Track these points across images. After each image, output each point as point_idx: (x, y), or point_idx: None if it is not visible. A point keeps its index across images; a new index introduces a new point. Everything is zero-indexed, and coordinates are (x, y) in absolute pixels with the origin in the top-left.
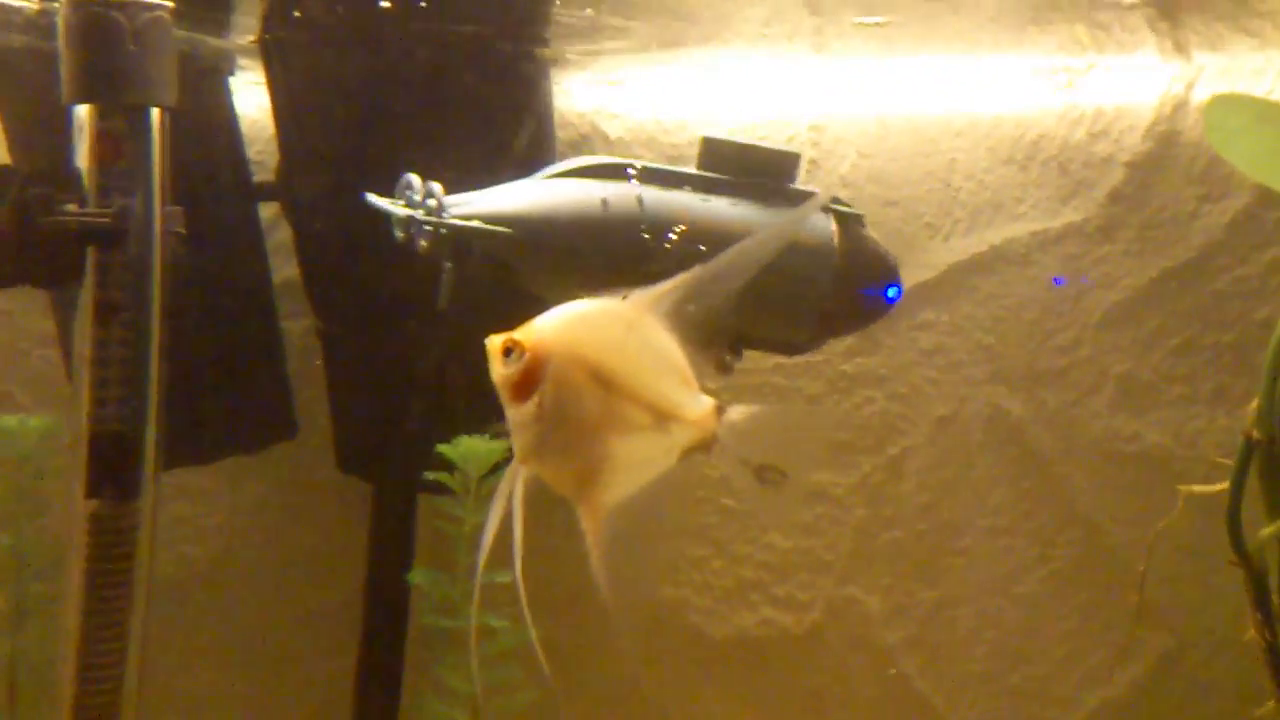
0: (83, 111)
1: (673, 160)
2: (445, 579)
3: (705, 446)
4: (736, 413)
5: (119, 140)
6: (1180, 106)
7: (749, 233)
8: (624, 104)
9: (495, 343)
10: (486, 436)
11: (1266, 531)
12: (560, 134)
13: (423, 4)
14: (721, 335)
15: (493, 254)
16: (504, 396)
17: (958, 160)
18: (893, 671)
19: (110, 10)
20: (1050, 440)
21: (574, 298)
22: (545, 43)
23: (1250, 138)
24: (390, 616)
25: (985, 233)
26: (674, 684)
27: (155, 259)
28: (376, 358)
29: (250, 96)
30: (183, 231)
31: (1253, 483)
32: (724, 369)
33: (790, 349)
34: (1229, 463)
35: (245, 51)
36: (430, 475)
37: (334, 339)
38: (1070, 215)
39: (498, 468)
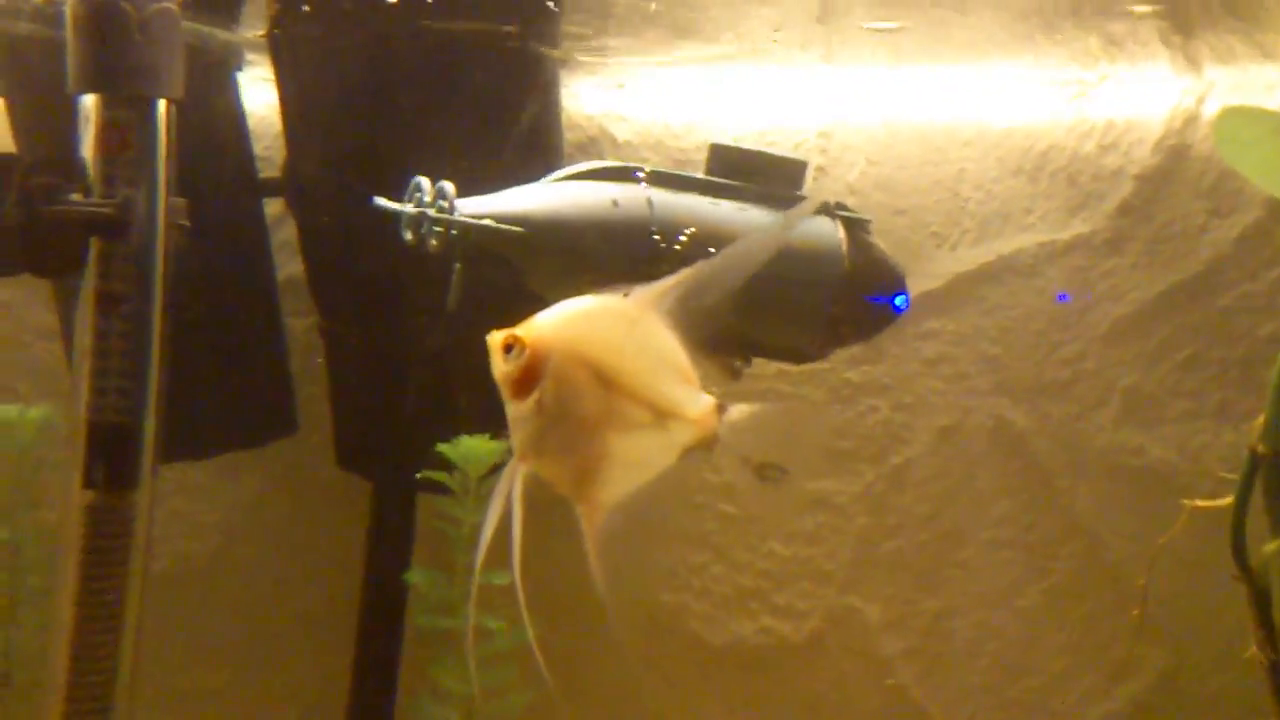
0: (89, 102)
1: (680, 164)
2: (442, 579)
3: (706, 445)
4: (737, 411)
5: (124, 131)
6: (1191, 120)
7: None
8: (632, 107)
9: (496, 339)
10: (487, 436)
11: (1270, 547)
12: (568, 136)
13: (414, 2)
14: (722, 333)
15: (504, 254)
16: (504, 393)
17: (966, 170)
18: (891, 682)
19: (118, 1)
20: (1054, 453)
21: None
22: (555, 43)
23: (1262, 150)
24: (387, 616)
25: (993, 243)
26: (672, 690)
27: (158, 251)
28: (379, 355)
29: (259, 92)
30: (186, 224)
31: (1256, 498)
32: (734, 374)
33: (799, 357)
34: (1233, 478)
35: (254, 46)
36: (430, 474)
37: (336, 335)
38: (1079, 227)
39: (497, 468)
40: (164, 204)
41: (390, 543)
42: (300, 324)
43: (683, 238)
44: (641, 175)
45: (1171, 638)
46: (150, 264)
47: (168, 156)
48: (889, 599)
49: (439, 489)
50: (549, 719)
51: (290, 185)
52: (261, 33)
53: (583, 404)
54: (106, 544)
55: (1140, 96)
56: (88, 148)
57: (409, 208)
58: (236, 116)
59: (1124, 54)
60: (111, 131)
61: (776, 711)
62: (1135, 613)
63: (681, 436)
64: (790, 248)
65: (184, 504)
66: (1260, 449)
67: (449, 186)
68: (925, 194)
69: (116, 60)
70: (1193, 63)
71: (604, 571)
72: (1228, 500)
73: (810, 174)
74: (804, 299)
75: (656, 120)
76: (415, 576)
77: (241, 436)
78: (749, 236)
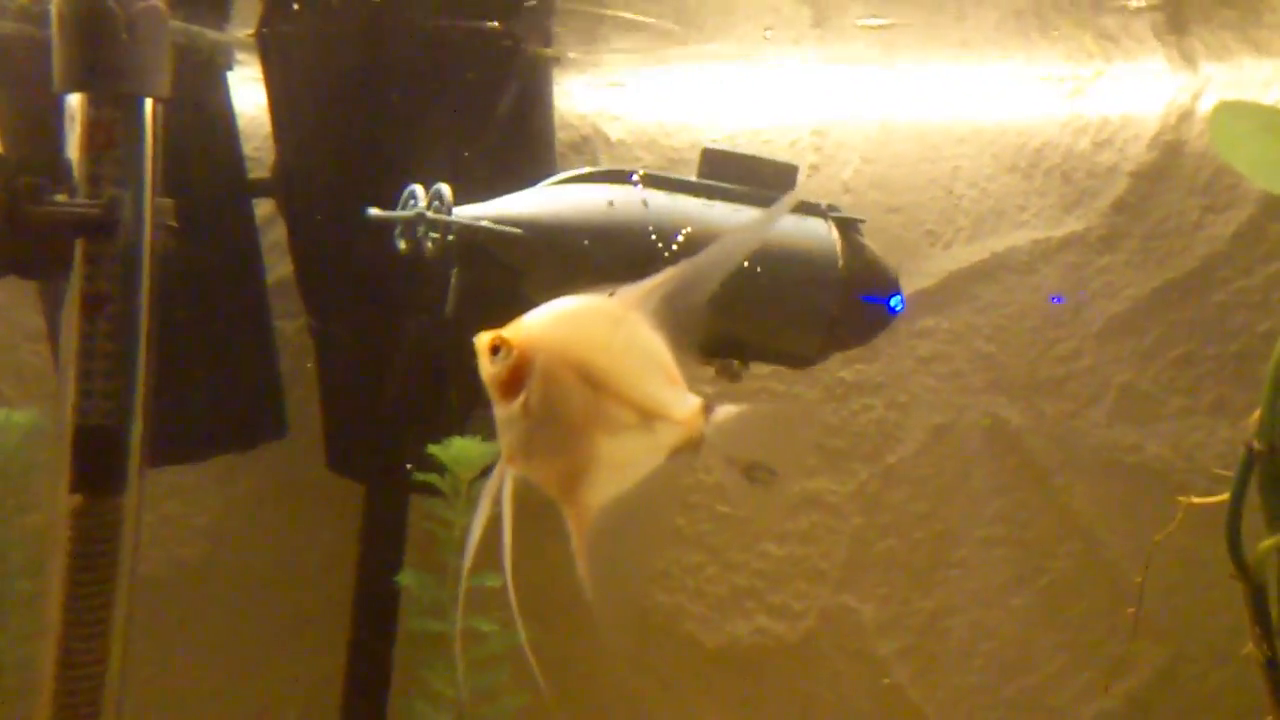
0: (74, 101)
1: (673, 163)
2: (434, 582)
3: (693, 446)
4: (724, 412)
5: (110, 130)
6: (1186, 116)
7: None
8: (625, 106)
9: (484, 340)
10: (479, 439)
11: (1266, 544)
12: (561, 135)
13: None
14: (720, 338)
15: (500, 257)
16: (492, 395)
17: (961, 167)
18: (887, 681)
19: None
20: (1049, 451)
21: None
22: (546, 41)
23: (1256, 145)
24: (379, 618)
25: (987, 240)
26: (667, 691)
27: (145, 252)
28: (369, 357)
29: (248, 92)
30: (174, 225)
31: (1253, 495)
32: (733, 377)
33: (798, 360)
34: (1229, 475)
35: (243, 45)
36: (421, 477)
37: (327, 337)
38: (1073, 224)
39: (489, 470)
40: (150, 204)
41: (382, 545)
42: (290, 326)
43: (679, 239)
44: (636, 178)
45: (1168, 635)
46: (136, 265)
47: (155, 156)
48: (884, 598)
49: (430, 491)
50: None
51: (280, 186)
52: (250, 32)
53: (569, 405)
54: (93, 548)
55: (1135, 93)
56: (73, 147)
57: (402, 212)
58: (226, 116)
59: (1119, 50)
60: (97, 131)
61: (772, 712)
62: (1131, 610)
63: (668, 438)
64: (786, 250)
65: (174, 507)
66: (1256, 445)
67: (446, 190)
68: (920, 192)
69: (103, 59)
70: (1188, 59)
71: (591, 574)
72: (1224, 497)
73: (801, 177)
74: (801, 302)
75: (650, 119)
76: (407, 579)
77: (231, 440)
78: (730, 233)
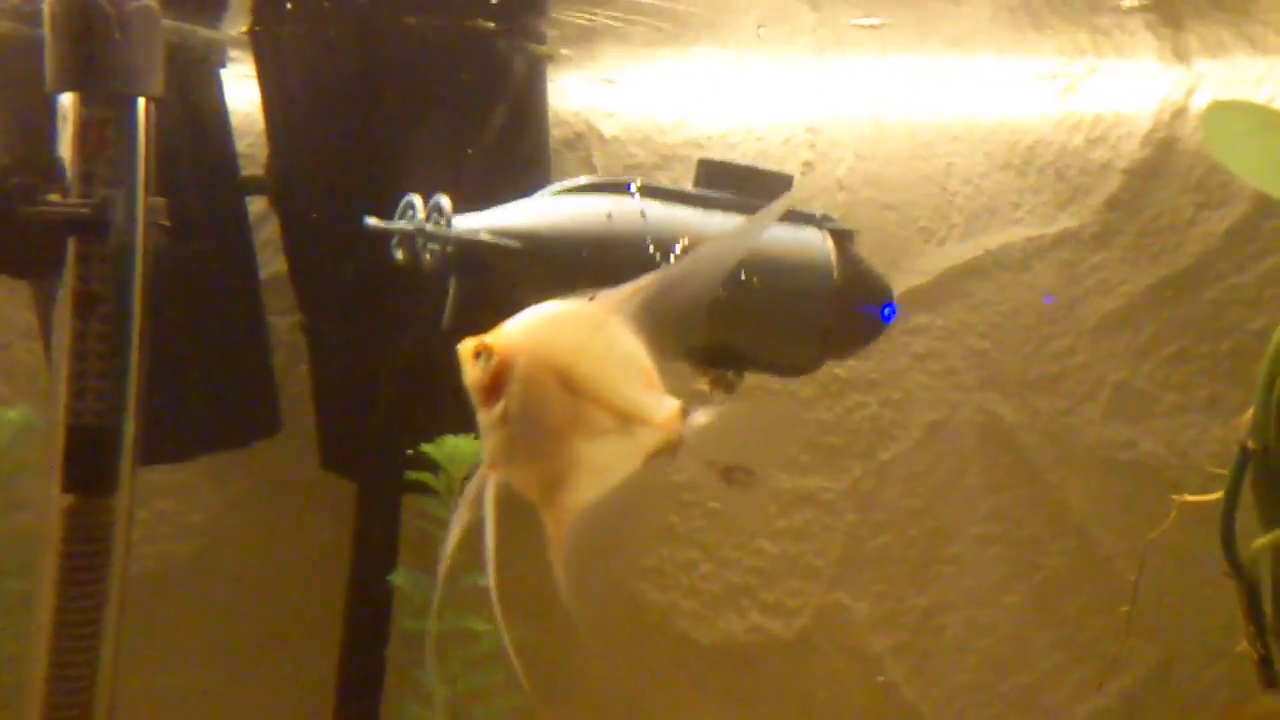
0: (67, 100)
1: (667, 160)
2: (427, 581)
3: (670, 449)
4: (701, 414)
5: (103, 130)
6: (1180, 113)
7: (751, 249)
8: (619, 102)
9: (467, 346)
10: (472, 437)
11: (1260, 543)
12: (554, 132)
13: None
14: (715, 349)
15: (500, 269)
16: (474, 400)
17: (955, 164)
18: (881, 679)
19: None
20: (1043, 448)
21: None
22: (540, 38)
23: (1250, 144)
24: (372, 617)
25: (981, 238)
26: (661, 689)
27: (137, 251)
28: (362, 354)
29: (241, 89)
30: (166, 223)
31: (1246, 493)
32: (728, 388)
33: (792, 370)
34: (1223, 472)
35: (236, 43)
36: (414, 475)
37: (320, 335)
38: (1067, 221)
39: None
40: (143, 203)
41: (375, 544)
42: (283, 323)
43: (677, 250)
44: (634, 188)
45: (1162, 633)
46: (129, 265)
47: (147, 155)
48: (878, 595)
49: (424, 490)
50: None
51: (273, 183)
52: (244, 29)
53: (548, 410)
54: (85, 548)
55: (1129, 90)
56: (65, 147)
57: (401, 224)
58: (219, 114)
59: (1112, 47)
60: (90, 130)
61: (766, 709)
62: (1125, 608)
63: (646, 441)
64: (782, 262)
65: (167, 505)
66: (1250, 444)
67: (445, 202)
68: (913, 189)
69: (95, 58)
70: (1181, 55)
71: (569, 579)
72: (1217, 495)
73: (796, 187)
74: (797, 313)
75: (644, 116)
76: (400, 578)
77: (224, 437)
78: (712, 241)
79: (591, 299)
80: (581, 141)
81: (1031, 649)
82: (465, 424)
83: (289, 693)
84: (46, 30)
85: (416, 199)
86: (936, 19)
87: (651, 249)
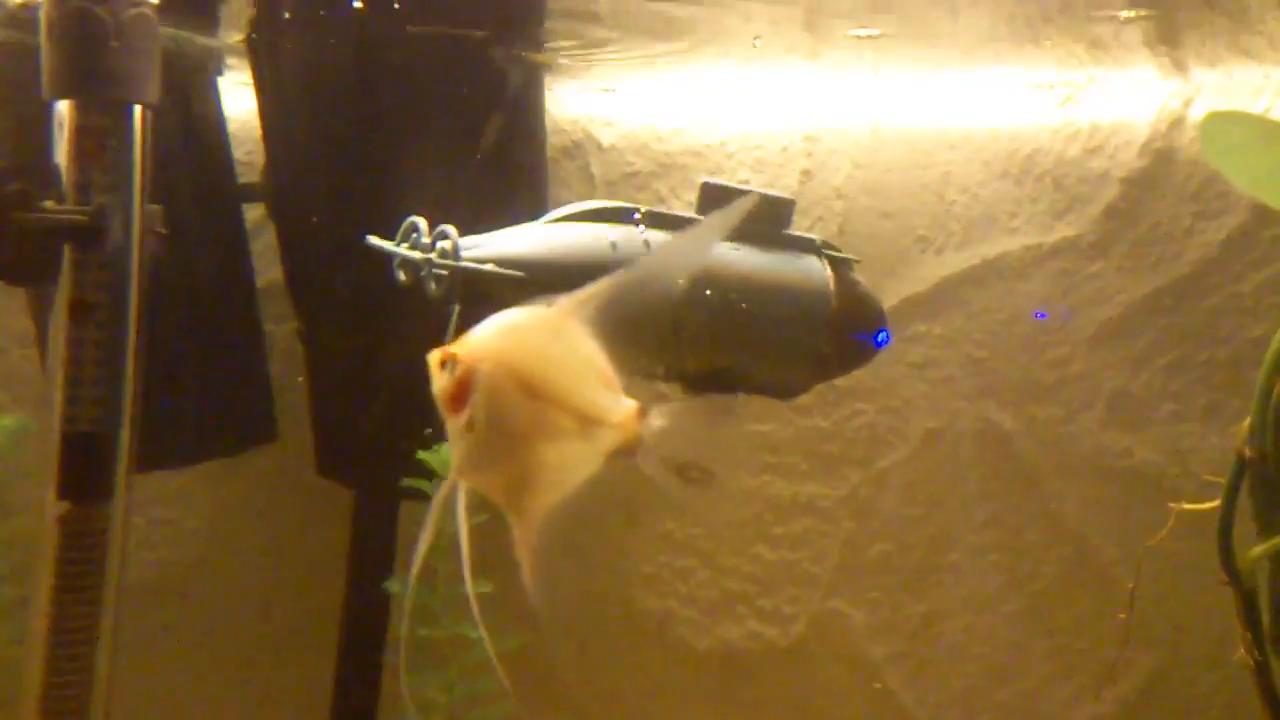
0: (63, 107)
1: (665, 168)
2: (424, 587)
3: (630, 449)
4: (659, 414)
5: (99, 137)
6: (1177, 123)
7: (752, 275)
8: (617, 111)
9: (434, 356)
10: None
11: (1257, 550)
12: (552, 140)
13: (397, 5)
14: (714, 373)
15: (504, 298)
16: (442, 409)
17: (952, 173)
18: (878, 686)
19: (93, 5)
20: (1041, 456)
21: None
22: (538, 47)
23: (1247, 154)
24: (369, 623)
25: (978, 246)
26: (658, 696)
27: (133, 259)
28: (359, 362)
29: (238, 97)
30: (163, 231)
31: (1243, 501)
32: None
33: (786, 392)
34: (1220, 480)
35: (233, 51)
36: (411, 482)
37: (317, 342)
38: (1064, 230)
39: None
40: (139, 211)
41: (372, 551)
42: (280, 331)
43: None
44: (638, 216)
45: (1159, 641)
46: (125, 272)
47: (144, 163)
48: (875, 603)
49: (420, 497)
50: None
51: (270, 191)
52: (240, 37)
53: (512, 415)
54: (80, 555)
55: (1126, 100)
56: (62, 154)
57: (408, 252)
58: (216, 122)
59: (1110, 57)
60: (86, 138)
61: (763, 716)
62: (1122, 616)
63: (606, 442)
64: (782, 288)
65: (165, 511)
66: (1247, 452)
67: (452, 231)
68: (911, 197)
69: (92, 65)
70: (1179, 66)
71: (537, 581)
72: (1215, 503)
73: (793, 193)
74: (796, 337)
75: (642, 124)
76: (397, 585)
77: (221, 445)
78: (667, 245)
79: (550, 305)
80: (579, 150)
81: (1029, 656)
82: None
83: (286, 699)
84: (43, 37)
85: (421, 222)
86: (935, 29)
87: None
